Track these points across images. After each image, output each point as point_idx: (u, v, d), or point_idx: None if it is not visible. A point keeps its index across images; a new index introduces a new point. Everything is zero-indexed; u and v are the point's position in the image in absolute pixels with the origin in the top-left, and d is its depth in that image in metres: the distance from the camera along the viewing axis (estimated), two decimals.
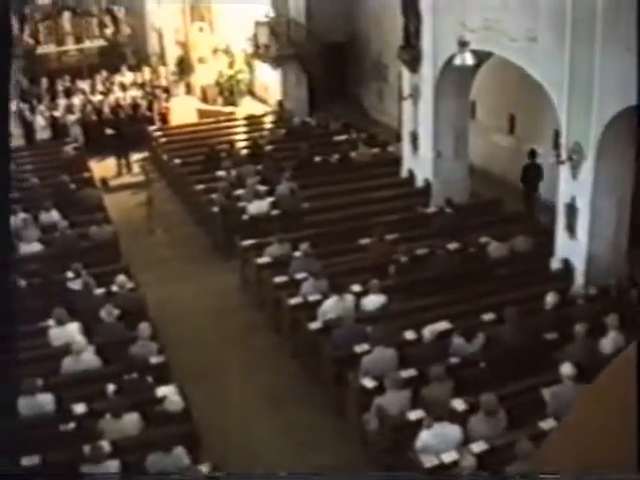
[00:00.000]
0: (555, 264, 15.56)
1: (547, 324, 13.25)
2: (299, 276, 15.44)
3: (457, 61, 16.33)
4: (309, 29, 26.94)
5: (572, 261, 15.25)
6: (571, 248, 15.24)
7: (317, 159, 22.09)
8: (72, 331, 13.55)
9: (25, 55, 31.39)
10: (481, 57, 16.97)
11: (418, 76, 19.31)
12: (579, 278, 15.07)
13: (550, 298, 13.63)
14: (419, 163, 19.97)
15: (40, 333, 13.74)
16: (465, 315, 13.74)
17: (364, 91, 28.32)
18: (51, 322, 13.79)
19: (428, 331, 12.96)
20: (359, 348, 12.96)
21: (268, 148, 23.55)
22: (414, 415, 11.34)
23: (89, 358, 12.91)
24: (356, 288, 14.73)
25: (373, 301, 14.33)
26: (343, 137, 23.95)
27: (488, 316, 13.62)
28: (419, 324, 13.35)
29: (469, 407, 11.26)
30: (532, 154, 19.32)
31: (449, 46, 17.55)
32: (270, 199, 19.36)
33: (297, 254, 16.22)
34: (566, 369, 11.33)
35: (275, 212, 18.99)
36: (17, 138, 26.83)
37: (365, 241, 16.84)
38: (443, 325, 13.25)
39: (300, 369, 14.28)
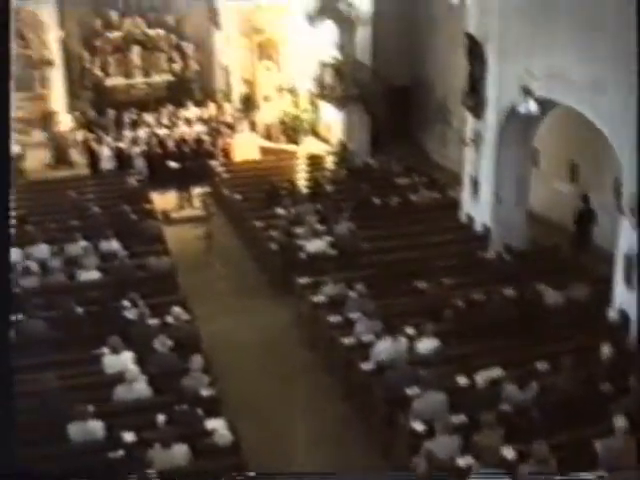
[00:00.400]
0: (612, 314, 15.37)
1: (602, 375, 13.06)
2: (354, 316, 15.44)
3: (521, 109, 16.33)
4: (374, 71, 27.08)
5: (629, 312, 15.04)
6: (629, 299, 15.04)
7: (377, 201, 22.12)
8: (126, 360, 13.68)
9: (94, 86, 32.04)
10: (545, 105, 16.94)
11: (481, 122, 19.34)
12: (636, 329, 14.84)
13: (606, 349, 13.44)
14: (479, 208, 19.93)
15: (94, 360, 13.89)
16: (519, 362, 13.60)
17: (427, 134, 28.38)
18: (106, 350, 13.93)
19: (481, 377, 12.87)
20: (411, 391, 12.89)
21: (329, 188, 23.66)
22: (463, 461, 11.22)
23: (141, 387, 13.01)
24: (410, 331, 14.67)
25: (427, 345, 14.26)
26: (404, 180, 23.97)
27: (542, 364, 13.46)
28: (472, 370, 13.25)
29: (520, 455, 11.11)
30: (585, 199, 19.24)
31: (513, 93, 17.56)
32: (328, 238, 19.46)
33: (352, 294, 16.21)
34: (620, 422, 11.16)
35: (332, 251, 19.07)
36: (82, 167, 27.37)
37: (421, 284, 16.78)
38: (496, 372, 13.12)
39: (350, 409, 14.23)
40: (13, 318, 15.23)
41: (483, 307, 15.83)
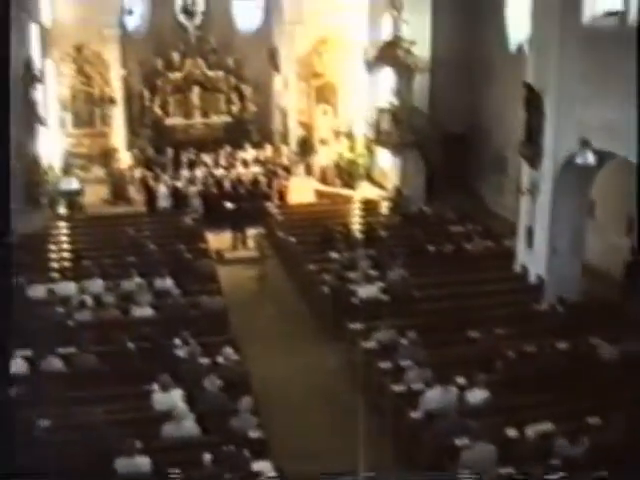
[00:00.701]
0: None
1: None
2: (404, 363, 15.38)
3: (578, 160, 16.26)
4: (431, 118, 27.19)
5: None
6: None
7: (431, 248, 22.09)
8: (175, 397, 13.76)
9: (153, 125, 32.56)
10: (603, 157, 16.87)
11: (538, 172, 19.27)
12: None
13: None
14: (533, 258, 19.81)
15: (144, 396, 13.99)
16: (570, 416, 13.42)
17: (482, 183, 28.32)
18: (155, 387, 14.02)
19: (531, 430, 12.73)
20: (460, 441, 12.78)
21: (383, 233, 23.67)
22: None
23: (189, 426, 13.06)
24: (461, 380, 14.57)
25: (477, 395, 14.15)
26: (458, 228, 23.90)
27: (594, 419, 13.28)
28: (522, 422, 13.11)
29: None
30: (635, 251, 19.01)
31: (570, 144, 17.53)
32: (381, 284, 19.43)
33: (404, 341, 16.15)
34: None
35: (385, 297, 19.02)
36: (140, 204, 27.72)
37: (474, 333, 16.68)
38: (547, 425, 12.98)
39: (398, 457, 14.13)
40: (66, 351, 15.49)
41: (535, 359, 15.67)
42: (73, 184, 27.42)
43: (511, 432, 13.09)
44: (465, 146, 28.34)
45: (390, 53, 26.27)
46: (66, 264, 21.47)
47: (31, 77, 23.87)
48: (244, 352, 16.13)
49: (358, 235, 23.57)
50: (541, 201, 19.25)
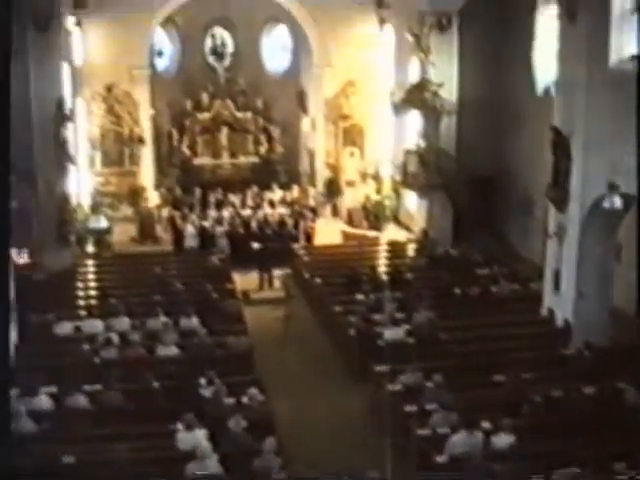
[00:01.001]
0: None
1: None
2: (430, 407, 15.28)
3: (605, 204, 16.21)
4: (458, 160, 27.22)
5: None
6: None
7: (457, 290, 22.03)
8: (199, 437, 13.74)
9: (182, 165, 32.83)
10: (630, 200, 16.83)
11: (565, 215, 19.24)
12: None
13: None
14: (560, 302, 19.71)
15: (168, 435, 13.99)
16: (596, 462, 13.27)
17: (509, 225, 28.26)
18: (180, 426, 14.01)
19: (557, 475, 12.60)
20: None
21: (409, 275, 23.64)
22: None
23: (213, 465, 13.02)
24: (487, 424, 14.46)
25: (503, 440, 14.04)
26: (485, 270, 23.86)
27: (620, 465, 13.12)
28: (549, 467, 12.97)
29: None
30: None
31: (598, 187, 17.51)
32: (407, 326, 19.36)
33: (430, 384, 16.06)
34: None
35: (411, 340, 18.95)
36: (167, 243, 27.89)
37: (500, 377, 16.57)
38: (573, 470, 12.84)
39: None
40: (91, 388, 15.57)
41: (561, 404, 15.56)
42: (101, 222, 27.63)
43: (537, 477, 12.96)
44: (492, 188, 28.36)
45: (417, 95, 26.44)
46: (93, 302, 21.56)
47: (62, 116, 24.11)
48: (269, 393, 16.06)
49: (384, 277, 23.53)
50: (568, 244, 19.19)
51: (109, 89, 30.89)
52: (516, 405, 15.28)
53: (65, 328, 19.01)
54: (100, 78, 30.47)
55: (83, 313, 20.28)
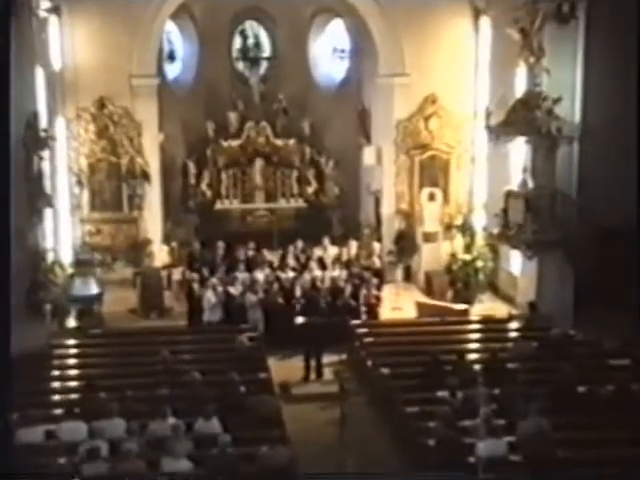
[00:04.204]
0: None
1: None
2: None
3: None
4: (580, 207, 26.78)
5: None
6: None
7: (581, 388, 21.58)
8: None
9: (200, 210, 32.82)
10: None
11: None
12: None
13: None
14: None
15: None
16: None
17: None
18: None
19: None
20: None
21: (511, 366, 23.37)
22: None
23: None
24: None
25: None
26: (621, 361, 23.43)
27: None
28: None
29: None
30: None
31: None
32: (509, 438, 18.92)
33: None
34: None
35: (516, 457, 18.54)
36: (179, 316, 27.73)
37: None
38: None
39: None
40: None
41: None
42: (88, 287, 27.57)
43: None
44: (627, 245, 27.85)
45: (524, 116, 26.17)
46: (74, 397, 21.36)
47: (35, 140, 23.90)
48: None
49: (477, 367, 23.13)
50: None
51: (101, 105, 30.95)
52: None
53: (34, 434, 18.72)
54: (88, 89, 30.56)
55: (59, 412, 20.10)
